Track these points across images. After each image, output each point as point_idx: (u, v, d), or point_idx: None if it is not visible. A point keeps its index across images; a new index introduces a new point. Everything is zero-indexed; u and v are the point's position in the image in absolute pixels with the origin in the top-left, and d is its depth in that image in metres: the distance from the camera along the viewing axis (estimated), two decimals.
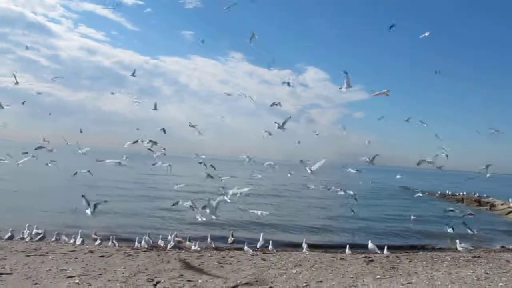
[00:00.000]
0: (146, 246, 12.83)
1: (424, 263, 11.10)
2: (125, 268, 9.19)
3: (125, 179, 39.06)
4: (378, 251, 13.51)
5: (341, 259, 11.52)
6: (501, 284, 8.81)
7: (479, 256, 12.67)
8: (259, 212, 14.99)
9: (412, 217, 17.15)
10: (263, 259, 11.07)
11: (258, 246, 14.03)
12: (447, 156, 15.14)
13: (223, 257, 11.28)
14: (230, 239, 15.12)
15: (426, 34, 14.55)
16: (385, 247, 13.84)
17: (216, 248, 13.47)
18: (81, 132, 15.08)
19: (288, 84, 15.38)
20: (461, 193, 39.91)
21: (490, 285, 8.70)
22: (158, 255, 10.97)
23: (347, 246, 13.70)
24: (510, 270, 10.32)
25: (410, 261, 11.30)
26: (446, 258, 12.00)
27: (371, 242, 13.91)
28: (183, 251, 12.15)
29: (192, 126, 14.76)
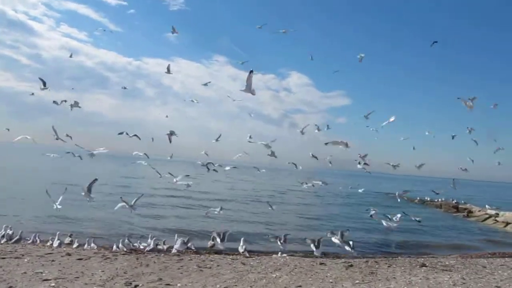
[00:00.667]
0: (124, 249, 12.67)
1: (402, 268, 11.25)
2: (103, 271, 9.08)
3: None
4: (344, 247, 13.49)
5: (321, 263, 11.58)
6: None
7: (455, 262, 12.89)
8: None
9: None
10: (243, 263, 11.07)
11: (241, 250, 13.83)
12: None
13: (203, 261, 11.24)
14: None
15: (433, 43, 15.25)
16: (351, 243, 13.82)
17: (196, 252, 13.39)
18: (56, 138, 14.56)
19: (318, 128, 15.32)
20: (439, 200, 40.48)
21: None
22: (137, 259, 10.87)
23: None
24: (486, 276, 10.55)
25: (389, 266, 11.43)
26: (425, 263, 12.18)
27: (335, 238, 13.70)
28: (163, 255, 12.05)
29: (173, 134, 14.53)
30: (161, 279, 8.80)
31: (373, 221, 18.20)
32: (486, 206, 30.92)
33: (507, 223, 25.82)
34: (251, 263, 11.14)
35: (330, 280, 9.44)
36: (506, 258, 14.76)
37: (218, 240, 13.29)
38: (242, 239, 13.94)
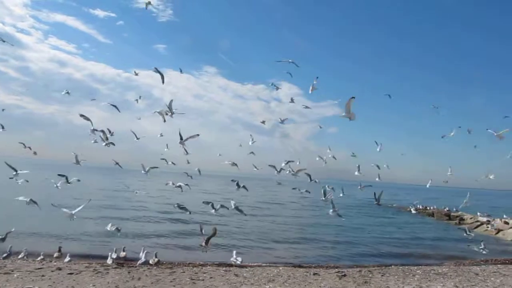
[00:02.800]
0: (115, 262, 12.46)
1: (396, 277, 11.26)
2: (94, 285, 8.98)
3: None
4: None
5: (314, 274, 11.55)
6: None
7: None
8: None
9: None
10: (236, 275, 10.99)
11: (236, 260, 13.60)
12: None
13: (196, 273, 11.15)
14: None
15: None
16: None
17: (189, 264, 13.25)
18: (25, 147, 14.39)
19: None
20: (431, 207, 40.54)
21: None
22: (129, 272, 10.75)
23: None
24: (478, 283, 10.60)
25: (382, 275, 11.43)
26: (418, 272, 12.22)
27: (235, 254, 13.45)
28: (155, 267, 11.92)
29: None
30: None
31: (364, 231, 18.20)
32: (478, 213, 31.03)
33: (499, 230, 25.96)
34: (244, 275, 11.07)
35: None
36: (499, 265, 14.84)
37: (202, 232, 13.00)
38: (234, 251, 13.84)
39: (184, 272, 11.22)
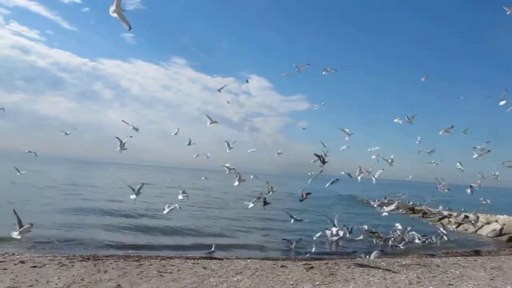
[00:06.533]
0: (81, 255, 12.26)
1: (361, 269, 11.56)
2: (59, 278, 8.82)
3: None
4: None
5: (282, 266, 11.71)
6: (431, 287, 9.41)
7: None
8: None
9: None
10: (204, 267, 11.02)
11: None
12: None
13: (164, 265, 11.10)
14: None
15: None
16: None
17: (157, 256, 13.16)
18: None
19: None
20: (397, 201, 41.50)
21: None
22: (95, 265, 10.59)
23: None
24: (439, 274, 11.03)
25: (348, 267, 11.70)
26: (382, 264, 12.55)
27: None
28: (122, 260, 11.79)
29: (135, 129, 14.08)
30: (119, 285, 8.64)
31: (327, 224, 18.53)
32: (440, 207, 32.01)
33: (459, 224, 26.97)
34: (212, 267, 11.11)
35: (291, 282, 9.58)
36: (459, 257, 15.42)
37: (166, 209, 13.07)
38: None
39: (151, 265, 11.16)
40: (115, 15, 5.86)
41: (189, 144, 15.22)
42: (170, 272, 10.16)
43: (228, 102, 18.35)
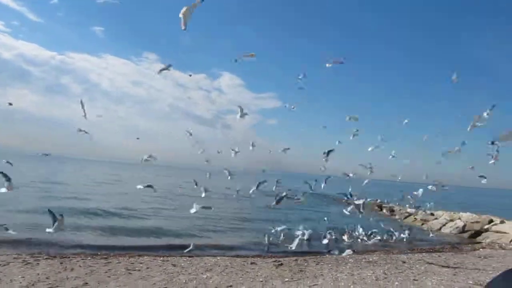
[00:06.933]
0: (47, 253, 11.97)
1: (329, 265, 11.76)
2: (23, 277, 8.60)
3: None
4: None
5: (251, 263, 11.78)
6: (397, 283, 9.68)
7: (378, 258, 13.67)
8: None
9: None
10: (174, 265, 10.97)
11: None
12: None
13: (132, 263, 10.97)
14: None
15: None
16: None
17: (126, 254, 12.98)
18: None
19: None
20: (364, 199, 42.24)
21: (387, 284, 9.52)
22: (61, 263, 10.36)
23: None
24: (405, 270, 11.34)
25: (317, 264, 11.88)
26: (350, 260, 12.82)
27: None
28: (89, 258, 11.58)
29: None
30: (86, 283, 8.50)
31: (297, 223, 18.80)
32: (406, 205, 32.79)
33: (424, 221, 27.79)
34: (182, 264, 11.07)
35: (260, 279, 9.65)
36: (423, 253, 15.89)
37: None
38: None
39: (120, 262, 11.01)
40: (182, 16, 5.87)
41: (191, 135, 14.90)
42: (139, 270, 10.07)
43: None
